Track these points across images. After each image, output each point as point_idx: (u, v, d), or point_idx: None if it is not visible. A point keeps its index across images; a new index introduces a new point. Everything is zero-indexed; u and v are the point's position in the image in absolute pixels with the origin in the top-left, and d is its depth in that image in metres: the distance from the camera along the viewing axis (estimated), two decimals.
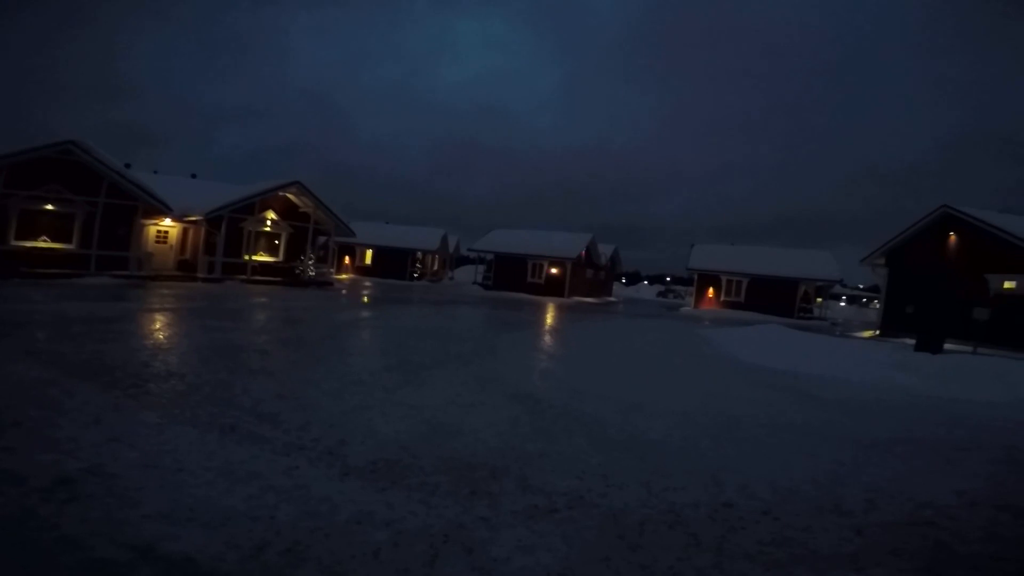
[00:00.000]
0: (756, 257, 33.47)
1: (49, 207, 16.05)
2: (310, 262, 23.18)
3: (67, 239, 16.42)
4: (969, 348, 13.79)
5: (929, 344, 13.31)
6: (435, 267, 41.20)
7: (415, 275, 37.28)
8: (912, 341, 17.58)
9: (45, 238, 16.06)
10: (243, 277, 20.34)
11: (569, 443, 4.49)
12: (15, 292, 11.63)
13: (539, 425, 4.97)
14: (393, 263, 36.62)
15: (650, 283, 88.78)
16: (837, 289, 34.84)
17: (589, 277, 36.73)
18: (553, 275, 33.01)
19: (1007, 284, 18.73)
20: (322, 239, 25.27)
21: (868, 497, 3.74)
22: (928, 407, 7.45)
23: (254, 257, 21.38)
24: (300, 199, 23.06)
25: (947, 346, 13.72)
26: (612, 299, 40.74)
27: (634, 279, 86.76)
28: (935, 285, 20.77)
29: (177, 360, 6.21)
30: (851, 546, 3.01)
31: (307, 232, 23.23)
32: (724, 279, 33.32)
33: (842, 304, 56.06)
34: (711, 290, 33.79)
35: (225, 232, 20.00)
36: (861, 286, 59.33)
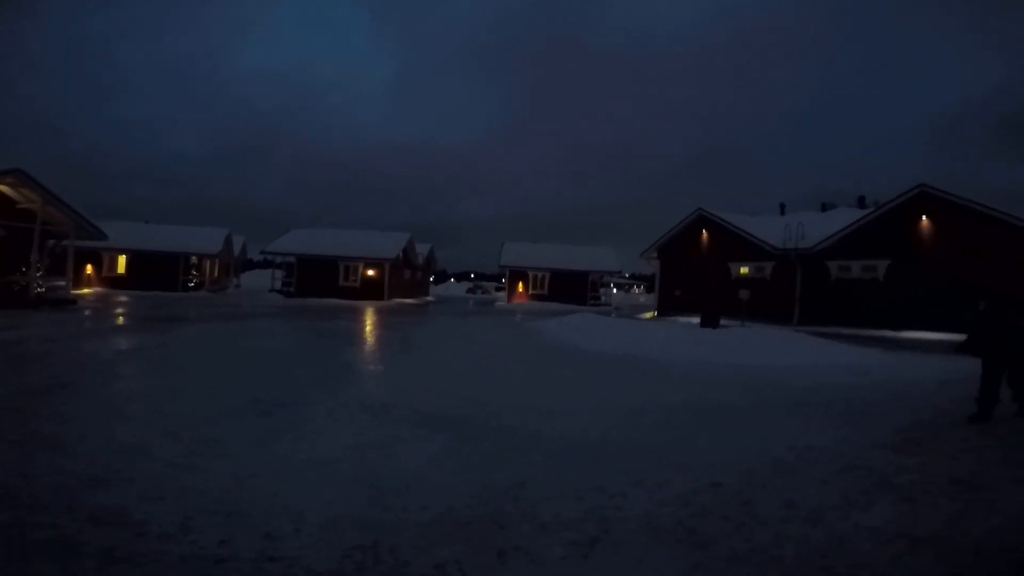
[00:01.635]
0: (555, 253, 36.75)
1: None
2: (37, 275, 17.15)
3: None
4: (738, 322, 17.11)
5: (710, 321, 16.07)
6: (215, 274, 34.90)
7: (190, 284, 30.92)
8: (682, 319, 21.36)
9: None
10: None
11: (528, 458, 3.87)
12: None
13: (479, 448, 4.31)
14: (158, 271, 29.64)
15: (456, 280, 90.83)
16: (606, 278, 40.32)
17: (407, 278, 35.61)
18: (370, 277, 31.00)
19: (743, 270, 24.03)
20: (53, 242, 19.00)
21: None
22: (751, 374, 8.78)
23: None
24: (20, 192, 16.86)
25: (722, 322, 16.76)
26: (430, 299, 40.26)
27: (442, 277, 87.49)
28: (694, 272, 25.52)
29: None
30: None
31: (31, 234, 17.09)
32: (531, 274, 35.76)
33: (614, 291, 65.51)
34: (521, 284, 35.91)
35: None
36: (627, 275, 70.31)
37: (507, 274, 36.16)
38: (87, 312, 16.13)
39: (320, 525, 2.86)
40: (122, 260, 29.84)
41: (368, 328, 15.45)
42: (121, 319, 14.72)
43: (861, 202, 26.96)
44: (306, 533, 2.76)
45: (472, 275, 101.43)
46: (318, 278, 30.89)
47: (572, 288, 34.76)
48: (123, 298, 23.45)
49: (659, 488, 3.56)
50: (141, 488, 3.20)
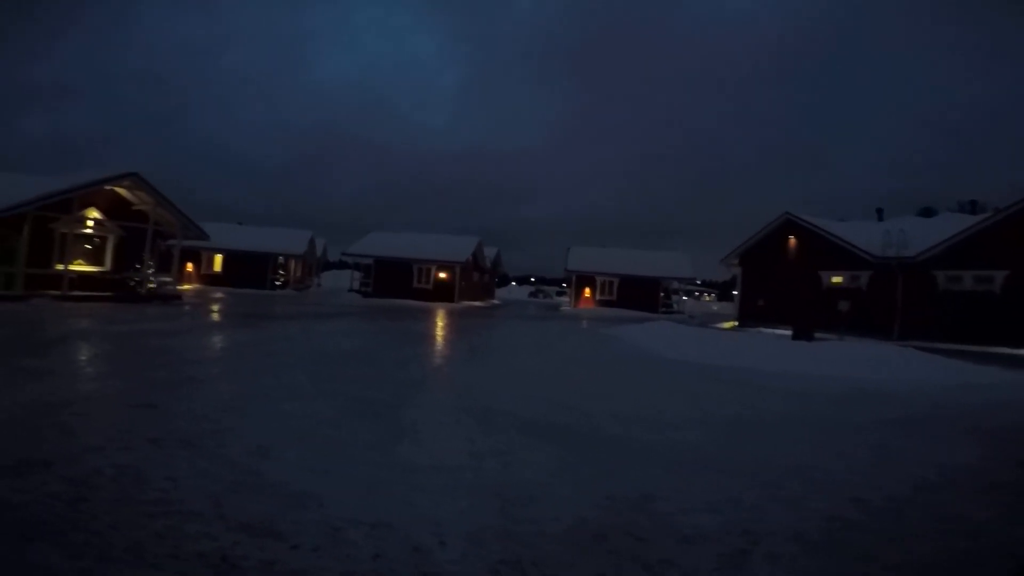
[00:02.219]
0: (625, 258, 35.91)
1: None
2: (149, 272, 18.84)
3: None
4: (834, 336, 15.89)
5: (803, 333, 14.99)
6: (299, 274, 36.97)
7: (278, 283, 32.96)
8: (767, 330, 20.11)
9: None
10: (56, 293, 15.63)
11: (646, 471, 3.64)
12: None
13: (592, 458, 4.19)
14: (250, 270, 31.91)
15: (518, 284, 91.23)
16: (675, 285, 38.94)
17: (475, 281, 36.10)
18: (442, 280, 31.69)
19: (835, 279, 22.32)
20: (164, 243, 20.83)
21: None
22: (856, 389, 8.01)
23: (71, 267, 16.62)
24: (136, 194, 18.62)
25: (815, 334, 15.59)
26: (496, 302, 40.61)
27: (503, 280, 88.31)
28: (779, 281, 24.00)
29: None
30: None
31: (144, 235, 18.82)
32: (599, 279, 35.15)
33: (684, 299, 63.23)
34: (587, 290, 35.39)
35: (29, 235, 15.18)
36: (699, 281, 67.76)
37: (573, 279, 35.75)
38: (192, 307, 17.45)
39: (462, 537, 2.80)
40: (219, 259, 32.29)
41: (447, 330, 15.67)
42: (224, 315, 15.78)
43: (972, 207, 24.36)
44: (452, 547, 2.68)
45: (533, 279, 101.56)
46: (393, 279, 31.93)
47: (642, 295, 33.83)
48: (219, 294, 25.34)
49: (798, 502, 3.43)
50: (282, 495, 3.22)
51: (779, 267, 24.40)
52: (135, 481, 3.23)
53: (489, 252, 40.30)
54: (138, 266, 18.57)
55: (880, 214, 27.32)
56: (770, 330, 19.70)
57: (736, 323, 25.59)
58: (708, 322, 26.46)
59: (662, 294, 35.11)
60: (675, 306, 37.55)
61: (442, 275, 31.84)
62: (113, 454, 3.62)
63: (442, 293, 31.35)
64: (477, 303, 34.25)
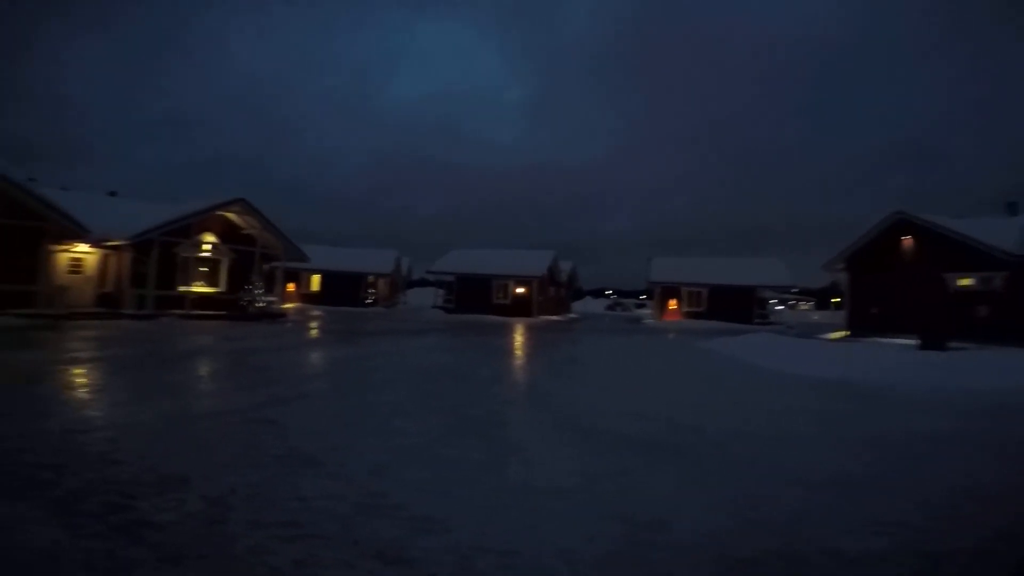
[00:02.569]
0: (714, 267, 34.06)
1: None
2: (258, 292, 20.39)
3: None
4: (972, 345, 13.89)
5: (934, 342, 13.24)
6: (386, 291, 38.64)
7: (368, 301, 34.63)
8: (883, 340, 17.99)
9: None
10: (180, 312, 17.31)
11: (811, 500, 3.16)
12: None
13: (716, 479, 3.86)
14: (344, 289, 33.84)
15: (594, 297, 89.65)
16: (767, 294, 36.26)
17: (552, 295, 35.83)
18: (519, 295, 31.78)
19: (963, 281, 19.64)
20: (269, 265, 22.50)
21: None
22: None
23: (192, 288, 18.36)
24: (244, 219, 20.33)
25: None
26: (574, 316, 40.04)
27: (578, 294, 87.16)
28: (895, 285, 21.50)
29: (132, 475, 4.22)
30: None
31: (252, 257, 20.47)
32: (684, 290, 33.58)
33: (779, 308, 58.94)
34: (673, 301, 33.89)
35: (157, 259, 17.00)
36: (795, 289, 63.10)
37: (658, 290, 34.41)
38: (296, 325, 18.58)
39: (594, 564, 2.59)
40: (316, 279, 34.53)
41: (534, 345, 15.47)
42: (325, 332, 16.61)
43: None
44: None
45: (609, 292, 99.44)
46: (474, 295, 32.45)
47: (735, 305, 31.85)
48: (318, 312, 26.97)
49: (976, 522, 3.17)
50: (407, 518, 3.10)
51: (894, 271, 21.90)
52: (267, 501, 3.23)
53: (565, 266, 39.91)
54: (248, 286, 20.16)
55: (1013, 208, 23.84)
56: (888, 340, 17.62)
57: (846, 333, 23.26)
58: (812, 332, 24.30)
59: (756, 304, 32.86)
60: (771, 316, 35.02)
61: (519, 290, 31.89)
62: (244, 471, 3.68)
63: (520, 308, 31.37)
64: (555, 317, 33.91)
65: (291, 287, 33.92)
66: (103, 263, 17.54)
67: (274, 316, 20.27)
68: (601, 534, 2.95)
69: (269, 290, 22.52)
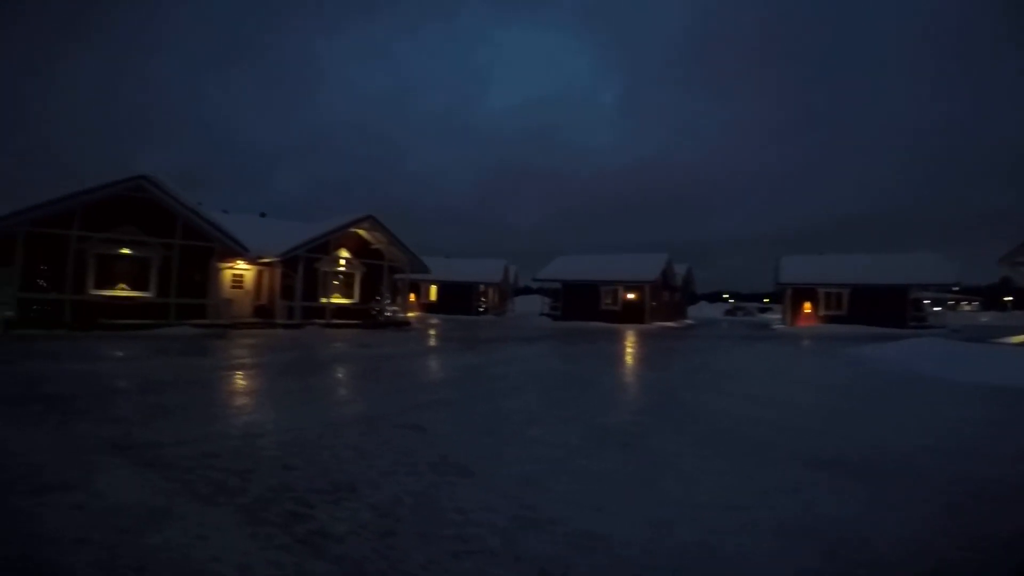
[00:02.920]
0: (856, 265, 30.25)
1: (125, 251, 15.24)
2: (386, 302, 21.91)
3: (144, 286, 15.59)
4: None
5: None
6: (495, 300, 39.65)
7: (480, 309, 35.78)
8: None
9: (123, 286, 15.27)
10: (322, 321, 19.15)
11: None
12: (97, 347, 10.56)
13: (910, 494, 3.35)
14: (457, 298, 35.35)
15: (709, 301, 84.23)
16: (924, 293, 31.12)
17: (666, 300, 34.22)
18: (630, 300, 30.77)
19: None
20: (395, 277, 24.08)
21: None
22: None
23: (331, 299, 20.20)
24: (372, 234, 21.99)
25: None
26: (690, 321, 37.89)
27: (691, 299, 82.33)
28: None
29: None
30: None
31: (381, 270, 22.07)
32: (821, 292, 30.20)
33: (937, 309, 50.72)
34: (807, 304, 30.63)
35: (302, 274, 18.96)
36: (956, 288, 54.02)
37: (788, 293, 31.31)
38: (421, 333, 19.63)
39: None
40: (433, 289, 36.46)
41: (653, 352, 14.73)
42: (447, 339, 17.29)
43: None
44: None
45: (725, 295, 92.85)
46: (581, 302, 32.04)
47: (883, 307, 27.97)
48: (435, 320, 28.35)
49: None
50: (567, 533, 2.99)
51: None
52: (431, 512, 3.24)
53: (679, 269, 37.93)
54: (378, 297, 21.71)
55: None
56: None
57: None
58: (985, 336, 20.52)
59: (910, 305, 28.56)
60: (928, 319, 30.24)
61: (630, 296, 30.84)
62: (404, 480, 3.76)
63: (631, 314, 30.30)
64: (670, 323, 32.27)
65: (412, 297, 36.13)
66: (259, 278, 19.98)
67: (400, 324, 21.62)
68: (788, 550, 2.72)
69: (394, 300, 24.09)
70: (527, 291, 61.03)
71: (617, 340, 18.68)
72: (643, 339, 19.43)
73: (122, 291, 15.14)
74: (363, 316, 21.14)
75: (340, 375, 9.11)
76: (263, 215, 25.68)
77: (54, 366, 8.16)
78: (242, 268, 19.51)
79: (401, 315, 22.92)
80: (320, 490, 3.46)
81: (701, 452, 4.61)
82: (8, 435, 4.31)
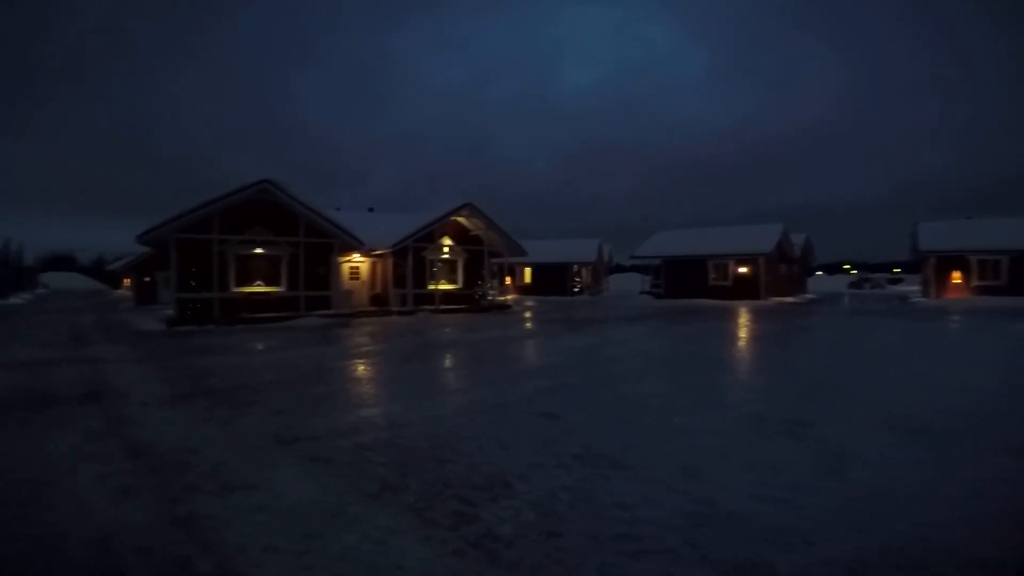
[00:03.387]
0: (1016, 230, 25.66)
1: (258, 251, 16.85)
2: (488, 286, 22.37)
3: (276, 282, 17.17)
4: None
5: None
6: (588, 280, 38.96)
7: (575, 290, 35.42)
8: None
9: (259, 282, 16.93)
10: (431, 308, 20.00)
11: None
12: (243, 340, 11.80)
13: None
14: (552, 279, 35.26)
15: (828, 273, 76.45)
16: None
17: (783, 273, 31.49)
18: (742, 275, 28.68)
19: None
20: (494, 261, 24.47)
21: None
22: None
23: (439, 286, 21.00)
24: (471, 221, 22.45)
25: None
26: (812, 296, 34.61)
27: (808, 271, 74.86)
28: None
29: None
30: None
31: (481, 255, 22.53)
32: (974, 260, 26.06)
33: None
34: (956, 274, 26.61)
35: (411, 262, 19.87)
36: None
37: (931, 262, 27.38)
38: (522, 315, 19.80)
39: None
40: (527, 272, 36.67)
41: (777, 329, 13.50)
42: (550, 321, 17.27)
43: None
44: None
45: (846, 266, 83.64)
46: (686, 278, 30.47)
47: None
48: (531, 303, 28.49)
49: None
50: (754, 528, 2.76)
51: None
52: (593, 508, 3.15)
53: (796, 239, 34.57)
54: (480, 282, 22.22)
55: None
56: None
57: None
58: None
59: None
60: None
61: (742, 270, 28.70)
62: (554, 472, 3.69)
63: (744, 290, 28.22)
64: (788, 299, 29.62)
65: (507, 280, 36.62)
66: (373, 269, 21.28)
67: (501, 307, 21.99)
68: None
69: (492, 284, 24.50)
70: (620, 269, 59.33)
71: (734, 318, 17.49)
72: (765, 316, 18.00)
73: (258, 287, 16.83)
74: (467, 301, 21.76)
75: (461, 360, 9.39)
76: (371, 210, 27.15)
77: (213, 361, 9.10)
78: (358, 260, 20.86)
79: (502, 298, 23.30)
80: (476, 486, 3.46)
81: (886, 439, 4.20)
82: (187, 431, 4.80)
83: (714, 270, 30.06)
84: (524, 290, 36.27)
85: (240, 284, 16.58)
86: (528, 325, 15.86)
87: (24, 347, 10.88)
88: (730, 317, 17.94)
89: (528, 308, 24.02)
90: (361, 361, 9.02)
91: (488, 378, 7.41)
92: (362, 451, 4.19)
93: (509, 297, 31.48)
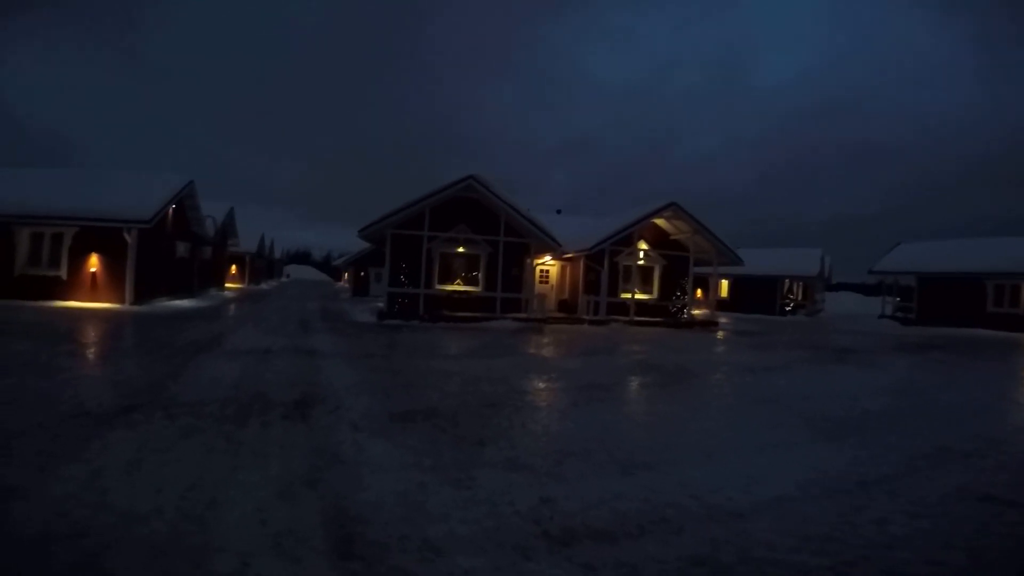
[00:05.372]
0: None
1: (461, 249, 16.83)
2: (687, 298, 19.60)
3: (474, 281, 17.00)
4: None
5: None
6: (799, 296, 32.76)
7: (787, 307, 30.04)
8: None
9: (459, 281, 16.90)
10: (625, 318, 18.02)
11: None
12: (447, 340, 11.35)
13: None
14: (757, 294, 30.33)
15: None
16: None
17: None
18: None
19: None
20: (699, 271, 21.51)
21: None
22: None
23: (635, 295, 18.93)
24: (673, 224, 19.92)
25: None
26: None
27: None
28: None
29: None
30: None
31: (680, 263, 19.83)
32: None
33: None
34: None
35: (608, 268, 18.19)
36: None
37: None
38: (739, 336, 16.61)
39: None
40: (725, 284, 32.31)
41: None
42: (786, 347, 14.03)
43: None
44: None
45: None
46: (950, 302, 23.52)
47: None
48: (728, 320, 24.56)
49: None
50: None
51: None
52: None
53: None
54: (679, 293, 19.59)
55: None
56: None
57: None
58: None
59: None
60: None
61: None
62: None
63: None
64: None
65: (698, 293, 32.72)
66: (562, 273, 20.16)
67: (705, 324, 19.01)
68: None
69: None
70: (839, 287, 50.00)
71: None
72: None
73: (459, 286, 16.81)
74: (662, 313, 19.29)
75: (708, 398, 7.24)
76: (559, 212, 26.30)
77: (428, 365, 8.44)
78: (548, 264, 19.93)
79: (707, 314, 20.21)
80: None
81: None
82: (404, 486, 3.66)
83: (996, 293, 22.68)
84: (719, 305, 31.91)
85: (443, 281, 16.80)
86: (761, 352, 12.80)
87: (259, 332, 11.83)
88: None
89: (738, 329, 20.48)
90: (598, 389, 7.51)
91: (774, 437, 5.22)
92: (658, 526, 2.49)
93: (702, 312, 27.91)
